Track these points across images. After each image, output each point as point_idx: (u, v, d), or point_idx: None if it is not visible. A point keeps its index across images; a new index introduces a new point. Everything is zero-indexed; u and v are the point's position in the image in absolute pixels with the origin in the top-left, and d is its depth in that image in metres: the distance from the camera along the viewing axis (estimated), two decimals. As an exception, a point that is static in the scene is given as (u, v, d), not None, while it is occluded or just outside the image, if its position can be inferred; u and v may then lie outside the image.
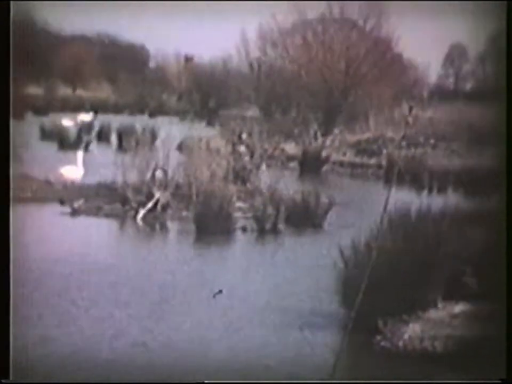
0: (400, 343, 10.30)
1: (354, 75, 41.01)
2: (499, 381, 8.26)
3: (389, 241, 12.07)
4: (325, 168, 31.16)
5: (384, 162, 30.17)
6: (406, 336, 10.44)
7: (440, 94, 50.08)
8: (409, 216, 14.24)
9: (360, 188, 28.13)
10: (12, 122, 7.98)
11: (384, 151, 32.25)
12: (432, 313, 11.15)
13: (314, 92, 41.70)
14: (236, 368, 9.53)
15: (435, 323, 10.81)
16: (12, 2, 7.87)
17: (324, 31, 42.74)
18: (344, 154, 33.58)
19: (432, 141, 35.64)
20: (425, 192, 26.48)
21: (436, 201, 17.16)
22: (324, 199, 19.87)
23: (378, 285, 10.99)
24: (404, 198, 20.08)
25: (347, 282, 11.12)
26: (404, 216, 14.28)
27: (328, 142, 34.34)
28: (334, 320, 11.00)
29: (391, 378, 9.41)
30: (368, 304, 10.66)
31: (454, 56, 64.61)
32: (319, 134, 34.81)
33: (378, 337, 10.52)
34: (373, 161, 31.86)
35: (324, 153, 31.79)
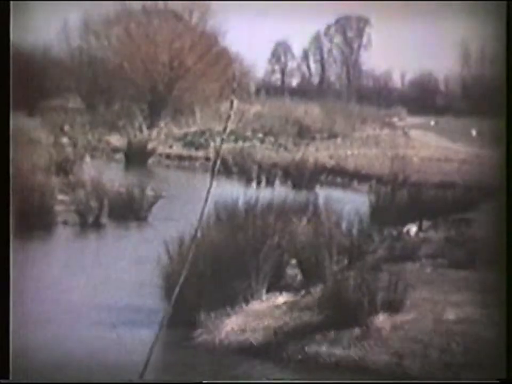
0: (221, 336, 10.19)
1: (179, 68, 40.72)
2: (497, 381, 8.35)
3: (216, 234, 11.99)
4: (151, 160, 30.76)
5: (211, 155, 30.26)
6: (228, 329, 10.35)
7: (267, 89, 51.05)
8: (237, 208, 14.28)
9: (187, 180, 27.96)
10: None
11: (212, 144, 32.38)
12: (256, 305, 11.13)
13: (138, 84, 41.11)
14: (44, 366, 9.07)
15: (257, 315, 10.79)
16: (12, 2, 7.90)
17: (147, 22, 42.19)
18: (171, 147, 33.35)
19: (260, 135, 36.13)
20: (253, 185, 26.68)
21: (263, 194, 17.30)
22: (150, 192, 19.53)
23: (203, 278, 10.88)
24: (232, 190, 20.25)
25: (171, 277, 10.89)
26: (231, 209, 14.31)
27: (154, 135, 33.97)
28: (155, 316, 10.68)
29: (211, 370, 9.29)
30: (192, 298, 10.57)
31: (280, 52, 65.99)
32: (144, 126, 34.36)
33: (200, 331, 10.36)
34: (200, 154, 31.86)
35: (149, 146, 31.39)
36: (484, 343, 9.36)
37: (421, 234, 17.74)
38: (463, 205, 21.39)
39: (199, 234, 11.62)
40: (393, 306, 10.34)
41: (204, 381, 8.79)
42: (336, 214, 15.11)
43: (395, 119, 51.65)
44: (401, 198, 21.34)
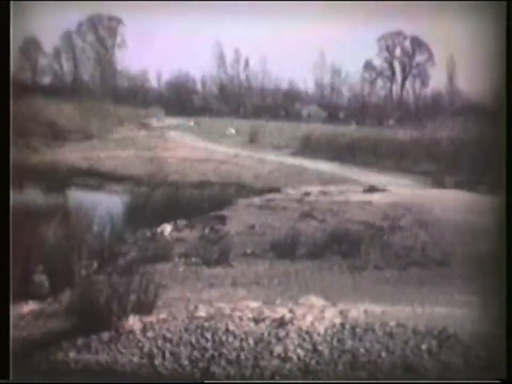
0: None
1: None
2: (498, 381, 8.19)
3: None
4: None
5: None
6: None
7: (16, 88, 48.96)
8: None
9: None
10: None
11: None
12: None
13: None
14: None
15: None
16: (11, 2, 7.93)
17: None
18: None
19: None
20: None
21: (12, 197, 16.43)
22: None
23: None
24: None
25: None
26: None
27: None
28: None
29: None
30: None
31: (30, 49, 63.75)
32: None
33: None
34: None
35: None
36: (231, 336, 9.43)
37: (176, 234, 17.78)
38: (218, 203, 21.79)
39: None
40: (144, 308, 10.15)
41: (204, 381, 8.53)
42: (88, 217, 14.72)
43: (152, 120, 51.78)
44: (158, 199, 21.33)
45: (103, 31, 64.74)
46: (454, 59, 60.65)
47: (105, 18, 64.07)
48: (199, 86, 68.41)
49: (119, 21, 64.09)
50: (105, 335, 9.57)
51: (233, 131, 50.78)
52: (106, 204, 18.92)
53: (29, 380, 8.68)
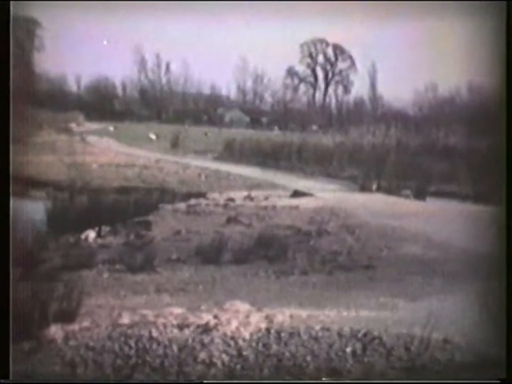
0: None
1: None
2: (499, 381, 8.15)
3: None
4: None
5: None
6: None
7: None
8: None
9: None
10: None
11: None
12: None
13: None
14: None
15: None
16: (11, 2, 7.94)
17: None
18: None
19: None
20: None
21: None
22: None
23: None
24: None
25: None
26: None
27: None
28: None
29: None
30: None
31: None
32: None
33: None
34: None
35: None
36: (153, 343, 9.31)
37: (99, 240, 17.52)
38: (143, 208, 21.60)
39: None
40: (66, 316, 9.94)
41: (204, 381, 8.38)
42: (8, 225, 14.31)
43: (72, 125, 51.06)
44: (80, 205, 21.01)
45: (20, 33, 63.45)
46: (376, 66, 61.65)
47: (23, 20, 62.83)
48: (119, 91, 67.73)
49: (37, 23, 62.94)
50: (25, 345, 9.32)
51: (153, 136, 50.46)
52: (29, 210, 18.50)
53: (29, 380, 8.43)
